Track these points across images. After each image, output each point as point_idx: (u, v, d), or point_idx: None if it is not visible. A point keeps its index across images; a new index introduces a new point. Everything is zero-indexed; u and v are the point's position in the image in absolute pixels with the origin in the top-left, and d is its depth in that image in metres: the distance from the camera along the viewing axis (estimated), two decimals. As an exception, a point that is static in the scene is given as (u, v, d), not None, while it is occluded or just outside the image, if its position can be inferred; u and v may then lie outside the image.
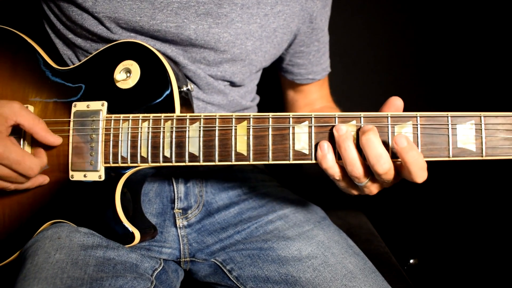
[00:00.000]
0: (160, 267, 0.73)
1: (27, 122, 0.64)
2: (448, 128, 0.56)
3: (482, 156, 0.56)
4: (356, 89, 1.51)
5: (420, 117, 0.57)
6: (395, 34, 1.51)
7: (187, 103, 0.68)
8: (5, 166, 0.61)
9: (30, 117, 0.64)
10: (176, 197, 0.78)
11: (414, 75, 1.55)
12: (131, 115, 0.64)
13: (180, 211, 0.78)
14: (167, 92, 0.64)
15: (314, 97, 0.96)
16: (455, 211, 1.56)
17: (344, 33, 1.39)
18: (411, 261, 1.45)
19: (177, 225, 0.77)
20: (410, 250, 1.52)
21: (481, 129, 0.56)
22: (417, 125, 0.57)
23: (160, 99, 0.65)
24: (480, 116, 0.56)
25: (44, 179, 0.67)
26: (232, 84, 0.81)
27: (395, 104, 0.58)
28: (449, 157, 0.56)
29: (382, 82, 1.52)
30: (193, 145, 0.62)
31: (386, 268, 0.90)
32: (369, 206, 1.44)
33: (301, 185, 1.03)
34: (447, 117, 0.56)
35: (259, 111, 0.96)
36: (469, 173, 1.51)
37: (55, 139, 0.66)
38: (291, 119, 0.60)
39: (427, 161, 0.56)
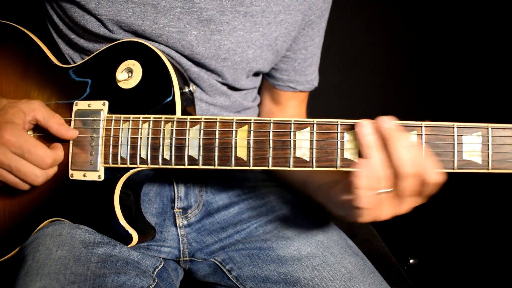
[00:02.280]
0: (161, 265, 0.73)
1: (41, 116, 0.64)
2: (454, 139, 0.55)
3: (488, 169, 0.54)
4: (356, 90, 1.49)
5: (425, 126, 0.55)
6: (396, 35, 1.49)
7: (189, 104, 0.67)
8: (18, 156, 0.61)
9: (46, 112, 0.64)
10: (176, 197, 0.77)
11: (415, 76, 1.53)
12: (131, 116, 0.64)
13: (180, 210, 0.78)
14: (169, 93, 0.64)
15: (291, 114, 0.93)
16: (455, 211, 1.55)
17: (344, 34, 1.37)
18: (411, 261, 1.46)
19: (177, 225, 0.77)
20: (410, 250, 1.52)
21: (488, 142, 0.54)
22: (421, 134, 0.56)
23: (161, 100, 0.64)
24: (488, 128, 0.54)
25: (54, 170, 0.66)
26: (234, 88, 0.80)
27: None
28: (453, 169, 0.55)
29: (382, 83, 1.51)
30: (193, 148, 0.61)
31: (386, 268, 0.90)
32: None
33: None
34: (453, 127, 0.55)
35: (259, 112, 0.95)
36: (469, 173, 1.49)
37: (67, 132, 0.64)
38: (292, 124, 0.59)
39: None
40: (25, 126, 0.64)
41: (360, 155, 0.56)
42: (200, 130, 0.61)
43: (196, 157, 0.61)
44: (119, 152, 0.64)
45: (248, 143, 0.60)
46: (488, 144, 0.54)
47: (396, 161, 0.52)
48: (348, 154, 0.57)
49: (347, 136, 0.57)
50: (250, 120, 0.60)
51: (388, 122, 0.53)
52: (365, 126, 0.53)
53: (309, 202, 0.84)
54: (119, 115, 0.64)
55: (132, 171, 0.64)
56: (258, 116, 0.96)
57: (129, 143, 0.63)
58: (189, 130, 0.61)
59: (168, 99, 0.64)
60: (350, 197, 0.55)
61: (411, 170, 0.51)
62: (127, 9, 0.67)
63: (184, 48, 0.70)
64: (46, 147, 0.63)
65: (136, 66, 0.65)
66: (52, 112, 0.65)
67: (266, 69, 0.82)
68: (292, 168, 0.58)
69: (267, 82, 0.91)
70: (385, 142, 0.53)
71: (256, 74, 0.83)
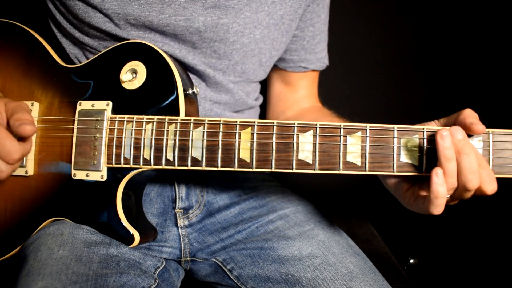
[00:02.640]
0: (162, 266, 0.73)
1: (10, 110, 0.60)
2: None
3: (488, 174, 0.55)
4: (356, 90, 1.49)
5: (426, 131, 0.56)
6: (396, 34, 1.48)
7: (192, 105, 0.67)
8: None
9: (15, 108, 0.60)
10: (177, 197, 0.78)
11: (416, 76, 1.52)
12: (135, 116, 0.64)
13: (181, 210, 0.78)
14: (172, 94, 0.64)
15: (303, 94, 0.93)
16: (455, 211, 1.55)
17: (345, 33, 1.37)
18: (411, 261, 1.46)
19: (178, 225, 0.77)
20: (410, 250, 1.52)
21: (489, 147, 0.55)
22: (423, 139, 0.56)
23: (165, 101, 0.64)
24: (489, 133, 0.55)
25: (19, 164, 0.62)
26: (243, 76, 0.80)
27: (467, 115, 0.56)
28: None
29: (383, 83, 1.51)
30: (196, 149, 0.61)
31: (386, 268, 0.90)
32: (369, 206, 1.44)
33: (301, 185, 1.03)
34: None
35: (261, 112, 0.96)
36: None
37: (24, 127, 0.58)
38: (295, 127, 0.59)
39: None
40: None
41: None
42: (203, 132, 0.61)
43: (199, 159, 0.61)
44: (122, 153, 0.64)
45: (251, 145, 0.60)
46: (489, 149, 0.55)
47: (465, 176, 0.53)
48: (350, 158, 0.57)
49: (350, 140, 0.58)
50: (254, 122, 0.60)
51: (460, 134, 0.53)
52: (446, 139, 0.53)
53: (310, 202, 0.85)
54: (122, 116, 0.65)
55: (135, 171, 0.64)
56: (267, 103, 0.97)
57: (132, 144, 0.63)
58: (192, 131, 0.62)
59: (172, 100, 0.64)
60: (420, 200, 0.57)
61: (476, 185, 0.53)
62: (133, 2, 0.68)
63: (192, 35, 0.71)
64: (15, 140, 0.58)
65: (140, 67, 0.65)
66: (23, 110, 0.60)
67: (277, 52, 0.81)
68: (294, 171, 0.59)
69: (277, 67, 0.91)
70: (457, 154, 0.53)
71: (270, 62, 0.82)
